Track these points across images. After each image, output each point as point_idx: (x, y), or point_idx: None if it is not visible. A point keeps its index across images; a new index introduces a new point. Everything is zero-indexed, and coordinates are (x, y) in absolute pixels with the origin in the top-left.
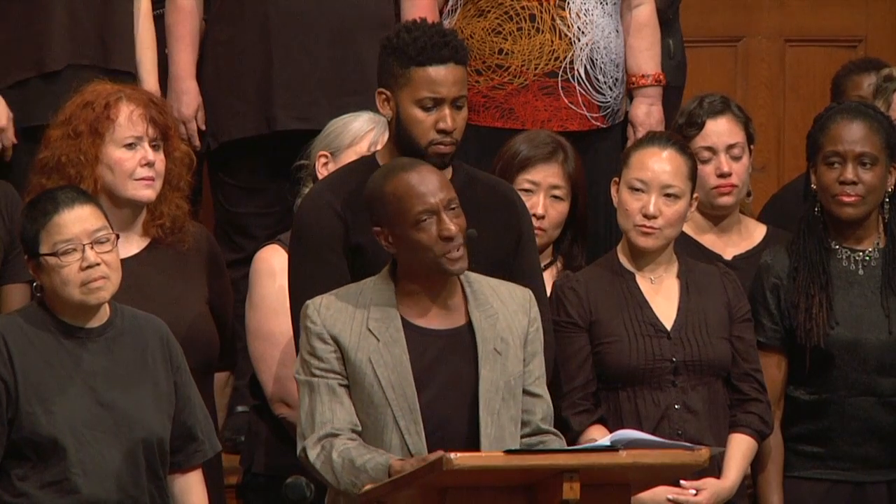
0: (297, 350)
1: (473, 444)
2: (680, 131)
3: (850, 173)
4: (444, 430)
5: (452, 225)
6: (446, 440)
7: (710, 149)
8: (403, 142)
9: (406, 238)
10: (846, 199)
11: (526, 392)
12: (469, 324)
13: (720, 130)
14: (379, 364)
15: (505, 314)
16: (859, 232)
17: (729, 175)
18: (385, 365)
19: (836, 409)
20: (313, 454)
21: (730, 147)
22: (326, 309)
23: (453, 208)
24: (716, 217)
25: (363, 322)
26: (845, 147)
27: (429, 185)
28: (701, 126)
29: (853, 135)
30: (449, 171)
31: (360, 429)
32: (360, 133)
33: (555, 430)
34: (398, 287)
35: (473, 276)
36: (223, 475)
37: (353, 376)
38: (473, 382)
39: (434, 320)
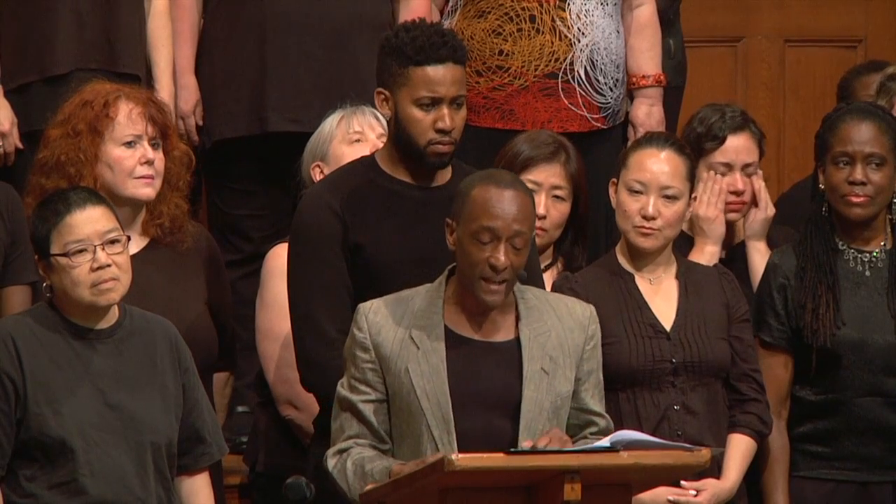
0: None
1: None
2: (698, 141)
3: (859, 174)
4: (481, 444)
5: (503, 256)
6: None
7: (726, 164)
8: (402, 141)
9: (461, 243)
10: (855, 199)
11: (585, 410)
12: (517, 339)
13: (739, 147)
14: (416, 373)
15: (559, 331)
16: (867, 233)
17: (742, 193)
18: (422, 374)
19: (843, 409)
20: (331, 464)
21: (746, 166)
22: (374, 315)
23: (518, 247)
24: None
25: (407, 329)
26: (854, 147)
27: (507, 209)
28: (722, 140)
29: (862, 135)
30: (448, 171)
31: (385, 444)
32: (334, 126)
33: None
34: (450, 293)
35: (532, 290)
36: (223, 475)
37: (392, 386)
38: (516, 401)
39: (480, 332)
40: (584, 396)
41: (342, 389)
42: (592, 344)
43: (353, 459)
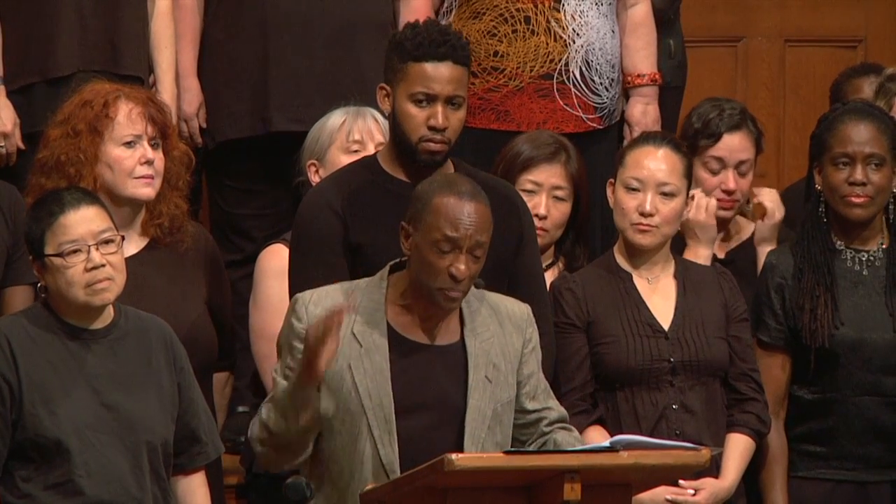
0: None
1: None
2: (695, 136)
3: (859, 174)
4: (422, 447)
5: (464, 267)
6: (423, 457)
7: (719, 160)
8: (397, 137)
9: (420, 251)
10: (856, 199)
11: (527, 411)
12: (461, 345)
13: (734, 146)
14: (358, 370)
15: (500, 337)
16: (865, 232)
17: (733, 192)
18: (364, 372)
19: (841, 408)
20: (252, 429)
21: (740, 163)
22: (315, 307)
23: (477, 256)
24: None
25: (348, 325)
26: (854, 148)
27: (468, 220)
28: (717, 138)
29: (862, 136)
30: (450, 169)
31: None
32: (335, 128)
33: (565, 426)
34: (394, 293)
35: (473, 292)
36: (223, 475)
37: (330, 382)
38: (460, 408)
39: (424, 334)
40: (524, 401)
41: (276, 375)
42: (531, 347)
43: (265, 405)
